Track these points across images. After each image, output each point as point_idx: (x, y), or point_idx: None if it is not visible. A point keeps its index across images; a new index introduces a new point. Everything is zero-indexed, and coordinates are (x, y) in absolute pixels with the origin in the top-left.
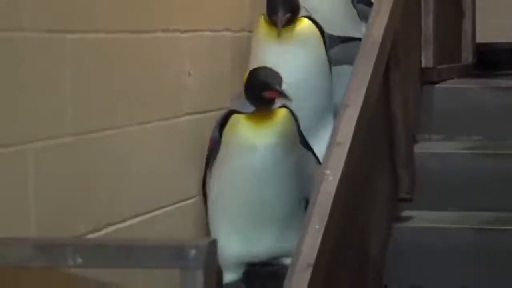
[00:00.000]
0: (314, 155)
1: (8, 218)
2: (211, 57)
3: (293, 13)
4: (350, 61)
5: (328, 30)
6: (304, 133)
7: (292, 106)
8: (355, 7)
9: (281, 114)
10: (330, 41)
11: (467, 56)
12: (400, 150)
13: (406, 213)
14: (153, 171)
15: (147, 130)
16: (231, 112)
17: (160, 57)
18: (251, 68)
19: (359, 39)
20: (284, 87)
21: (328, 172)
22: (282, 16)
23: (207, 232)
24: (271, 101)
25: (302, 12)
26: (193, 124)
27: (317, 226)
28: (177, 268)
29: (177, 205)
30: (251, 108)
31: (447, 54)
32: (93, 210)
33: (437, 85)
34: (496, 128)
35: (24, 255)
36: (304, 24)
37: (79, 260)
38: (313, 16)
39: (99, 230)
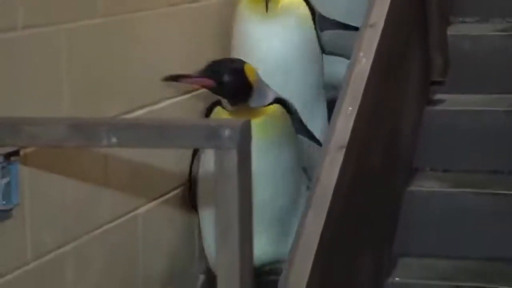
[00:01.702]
0: (319, 143)
1: (41, 99)
2: None
3: None
4: (344, 53)
5: (328, 13)
6: None
7: (277, 88)
8: None
9: (269, 111)
10: (323, 23)
11: None
12: (434, 32)
13: (438, 96)
14: (183, 53)
15: (176, 11)
16: (216, 103)
17: None
18: (234, 44)
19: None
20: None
21: (361, 54)
22: None
23: None
24: (243, 97)
25: None
26: (224, 7)
27: (350, 108)
28: (211, 148)
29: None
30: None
31: None
32: (125, 91)
33: None
34: None
35: (59, 135)
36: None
37: (114, 139)
38: None
39: (131, 111)
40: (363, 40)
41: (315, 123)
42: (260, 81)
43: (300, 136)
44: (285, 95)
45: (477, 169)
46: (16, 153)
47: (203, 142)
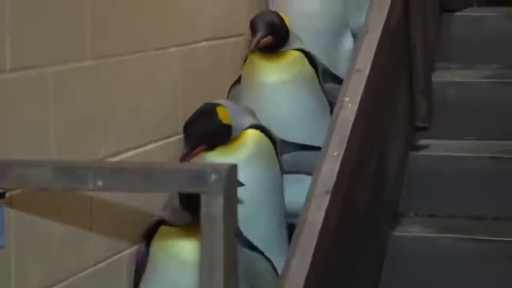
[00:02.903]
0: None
1: (29, 141)
2: None
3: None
4: (305, 170)
5: (287, 135)
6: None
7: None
8: (324, 91)
9: None
10: (284, 147)
11: None
12: (419, 78)
13: (423, 142)
14: (171, 96)
15: (165, 55)
16: (159, 222)
17: None
18: None
19: (318, 148)
20: None
21: (347, 99)
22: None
23: None
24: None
25: (248, 122)
26: (211, 50)
27: (335, 153)
28: (197, 192)
29: None
30: (186, 219)
31: None
32: (112, 134)
33: (456, 13)
34: None
35: (45, 178)
36: (248, 136)
37: (100, 183)
38: (271, 123)
39: (117, 154)
40: (350, 85)
41: (279, 257)
42: None
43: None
44: (250, 230)
45: (461, 214)
46: (1, 195)
47: (188, 186)
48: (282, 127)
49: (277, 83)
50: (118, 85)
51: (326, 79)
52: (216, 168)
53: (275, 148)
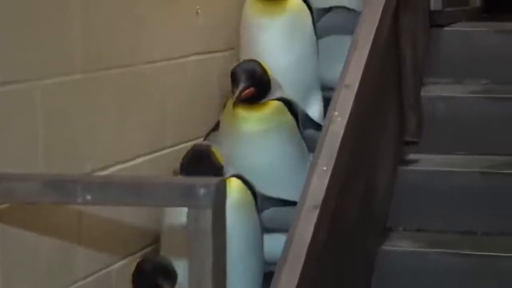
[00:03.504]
0: None
1: (17, 154)
2: None
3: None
4: (283, 228)
5: (264, 186)
6: None
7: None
8: (304, 138)
9: None
10: (264, 203)
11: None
12: (408, 92)
13: (412, 156)
14: (159, 110)
15: (154, 69)
16: None
17: None
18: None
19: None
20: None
21: (336, 113)
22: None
23: None
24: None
25: (231, 170)
26: (200, 64)
27: (324, 168)
28: (186, 206)
29: (181, 146)
30: None
31: None
32: (101, 148)
33: (445, 28)
34: (504, 72)
35: (34, 191)
36: (232, 185)
37: (88, 197)
38: (249, 173)
39: (106, 168)
40: (338, 100)
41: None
42: None
43: None
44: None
45: (451, 229)
46: None
47: (178, 201)
48: (260, 177)
49: (258, 133)
50: (107, 98)
51: (306, 125)
52: (205, 183)
53: (256, 202)
